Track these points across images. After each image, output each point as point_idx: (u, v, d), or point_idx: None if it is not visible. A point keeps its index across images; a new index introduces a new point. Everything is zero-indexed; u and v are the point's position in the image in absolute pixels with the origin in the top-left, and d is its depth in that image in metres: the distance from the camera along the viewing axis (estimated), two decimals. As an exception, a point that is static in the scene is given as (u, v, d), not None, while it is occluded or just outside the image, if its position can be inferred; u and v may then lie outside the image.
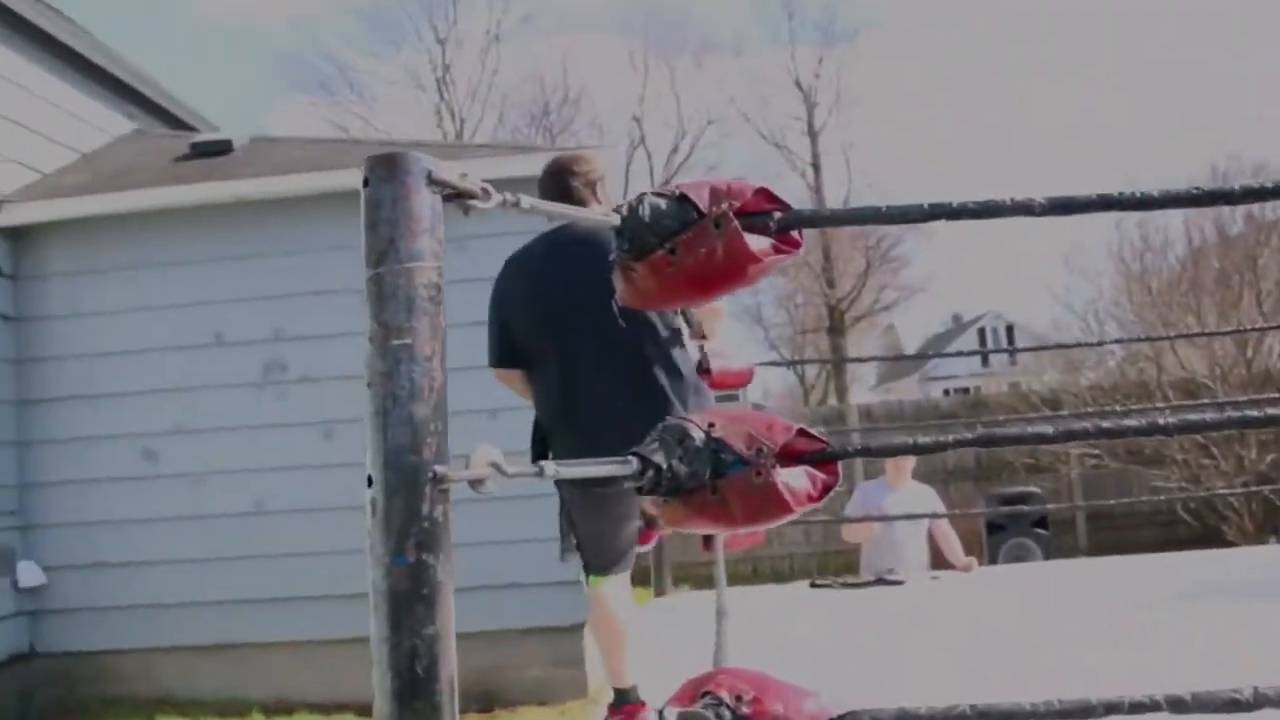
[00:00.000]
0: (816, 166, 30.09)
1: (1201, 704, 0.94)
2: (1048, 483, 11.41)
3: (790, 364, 27.32)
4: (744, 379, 3.68)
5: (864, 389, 37.68)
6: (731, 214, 1.09)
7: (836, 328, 29.34)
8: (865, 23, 53.76)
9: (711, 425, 1.13)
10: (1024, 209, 1.10)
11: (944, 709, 0.99)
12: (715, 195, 1.11)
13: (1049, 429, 1.12)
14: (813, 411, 15.34)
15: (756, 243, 1.10)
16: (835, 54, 30.41)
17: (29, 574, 6.23)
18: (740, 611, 3.61)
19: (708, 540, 3.57)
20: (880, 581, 5.80)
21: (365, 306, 1.01)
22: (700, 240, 1.10)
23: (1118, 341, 12.21)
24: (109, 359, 6.34)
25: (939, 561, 6.37)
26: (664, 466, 1.10)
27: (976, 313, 42.40)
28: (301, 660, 6.05)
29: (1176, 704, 0.93)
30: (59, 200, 6.43)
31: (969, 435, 1.11)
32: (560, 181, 3.19)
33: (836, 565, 10.85)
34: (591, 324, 3.04)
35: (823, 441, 1.13)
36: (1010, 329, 38.84)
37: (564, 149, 14.28)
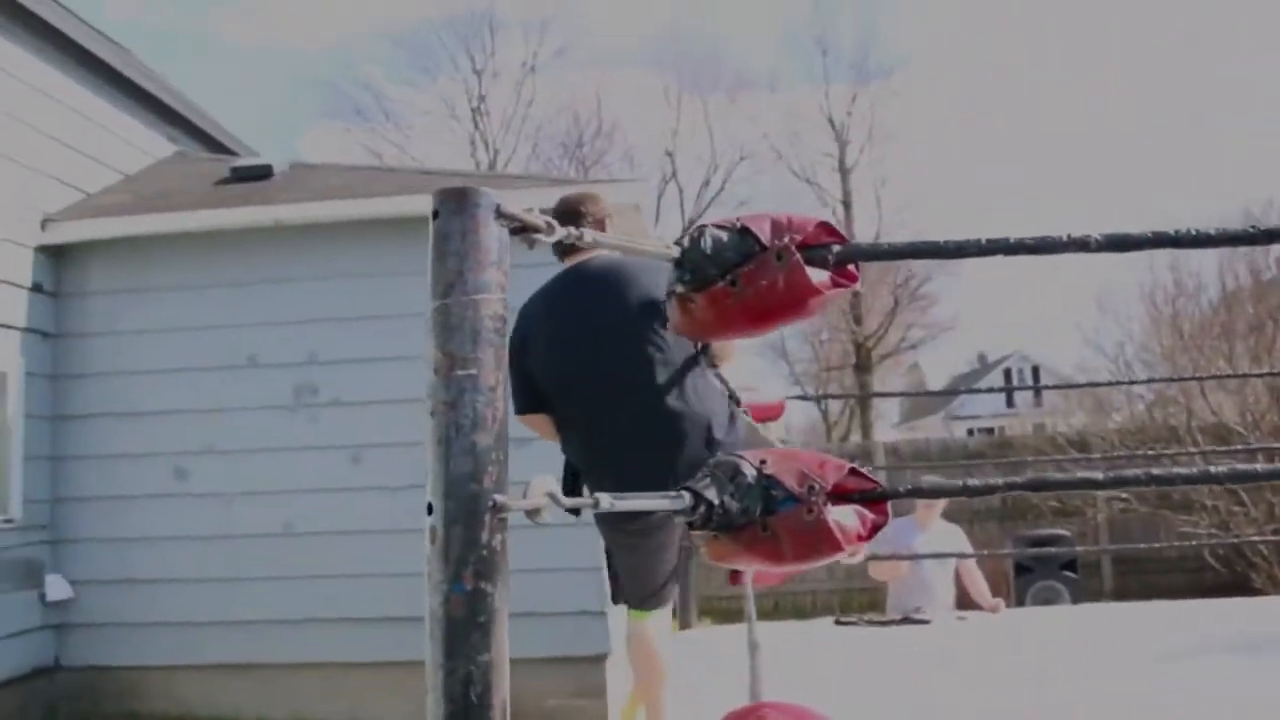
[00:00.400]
0: (847, 204, 30.03)
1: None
2: (1074, 526, 11.30)
3: (819, 399, 27.21)
4: (776, 412, 3.70)
5: (887, 427, 37.47)
6: (793, 247, 1.11)
7: (862, 365, 29.20)
8: (899, 60, 53.78)
9: (763, 462, 1.14)
10: (1080, 245, 1.10)
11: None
12: (777, 228, 1.12)
13: (1099, 475, 1.12)
14: (837, 448, 15.27)
15: (817, 275, 1.11)
16: (869, 91, 30.32)
17: (56, 588, 6.26)
18: (764, 647, 3.60)
19: (735, 574, 3.56)
20: (906, 620, 5.78)
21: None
22: (762, 272, 1.11)
23: (1149, 381, 12.08)
24: (145, 377, 6.39)
25: (965, 602, 6.33)
26: (716, 502, 1.11)
27: (1002, 353, 42.22)
28: (326, 682, 6.06)
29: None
30: (102, 219, 6.50)
31: (1019, 479, 1.12)
32: (569, 221, 3.17)
33: (860, 602, 10.79)
34: (613, 360, 3.02)
35: (874, 481, 1.14)
36: (1036, 370, 38.63)
37: (598, 180, 14.38)
